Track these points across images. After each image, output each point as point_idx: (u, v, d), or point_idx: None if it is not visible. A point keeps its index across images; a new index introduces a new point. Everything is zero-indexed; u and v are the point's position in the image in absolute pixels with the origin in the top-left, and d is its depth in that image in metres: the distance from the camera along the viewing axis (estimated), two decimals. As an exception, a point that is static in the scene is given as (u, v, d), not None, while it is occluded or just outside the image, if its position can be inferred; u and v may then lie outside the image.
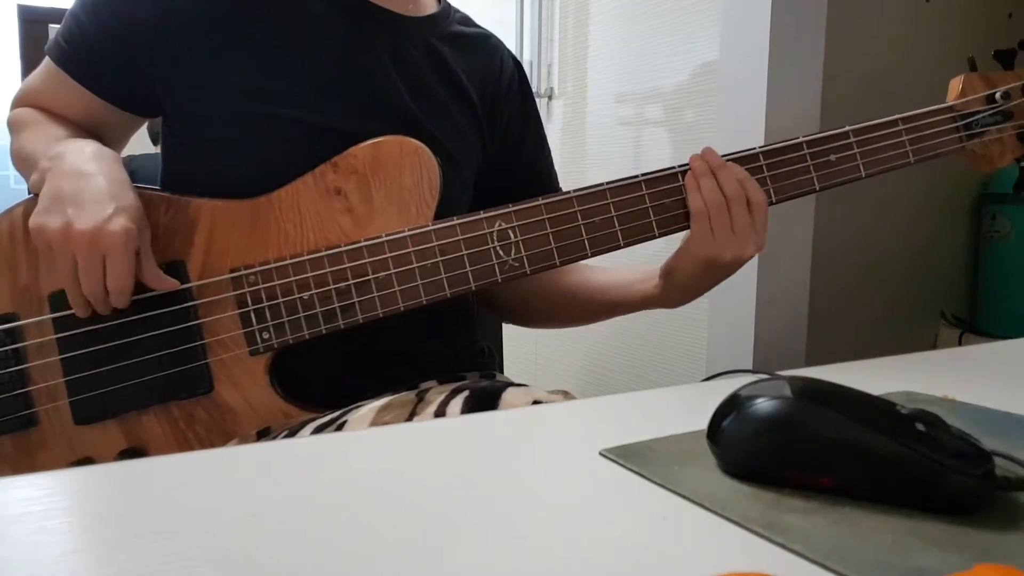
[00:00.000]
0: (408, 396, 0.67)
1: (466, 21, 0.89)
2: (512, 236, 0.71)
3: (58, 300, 0.66)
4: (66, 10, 0.77)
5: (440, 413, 0.62)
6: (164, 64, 0.73)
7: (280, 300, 0.68)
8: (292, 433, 0.67)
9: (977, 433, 0.41)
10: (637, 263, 0.86)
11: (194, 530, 0.36)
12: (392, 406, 0.65)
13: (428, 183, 0.71)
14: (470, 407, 0.62)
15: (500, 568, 0.33)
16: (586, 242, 0.72)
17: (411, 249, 0.69)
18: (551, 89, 1.85)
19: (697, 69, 1.44)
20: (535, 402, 0.62)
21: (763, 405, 0.42)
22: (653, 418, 0.54)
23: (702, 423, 0.45)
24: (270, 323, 0.68)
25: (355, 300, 0.69)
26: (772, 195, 0.74)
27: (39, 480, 0.43)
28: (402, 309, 0.69)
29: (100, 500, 0.41)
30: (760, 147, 0.74)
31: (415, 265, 0.69)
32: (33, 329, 0.67)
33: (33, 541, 0.35)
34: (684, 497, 0.40)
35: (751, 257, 0.72)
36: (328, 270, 0.69)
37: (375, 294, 0.69)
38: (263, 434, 0.69)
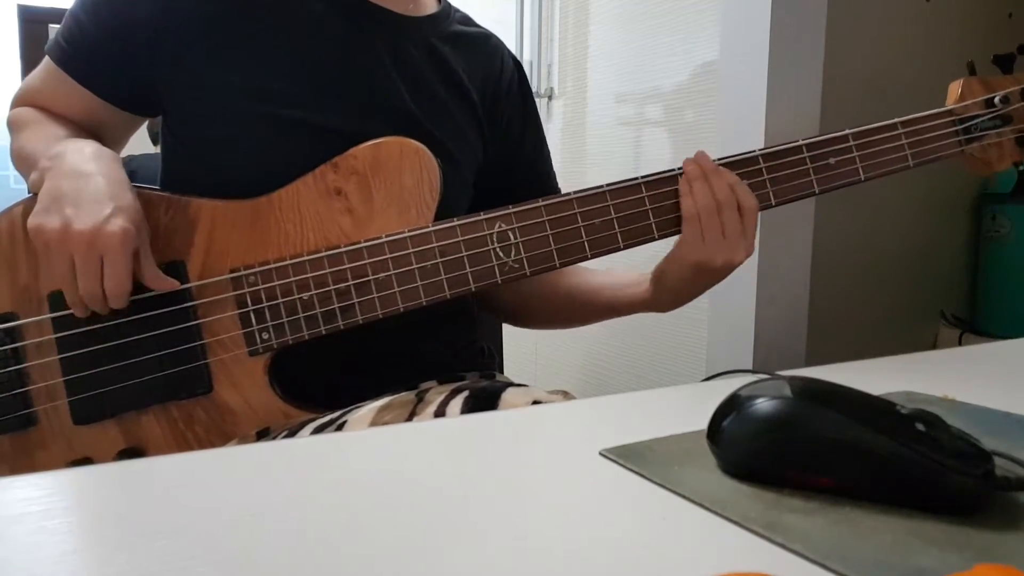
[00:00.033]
0: (408, 396, 0.67)
1: (466, 21, 0.89)
2: (512, 237, 0.71)
3: (57, 299, 0.66)
4: (66, 10, 0.77)
5: (440, 413, 0.62)
6: (164, 64, 0.73)
7: (280, 300, 0.68)
8: (292, 433, 0.67)
9: (977, 433, 0.41)
10: (626, 267, 0.86)
11: (194, 530, 0.36)
12: (392, 406, 0.65)
13: (428, 184, 0.71)
14: (470, 407, 0.62)
15: (500, 568, 0.33)
16: (586, 244, 0.72)
17: (411, 250, 0.69)
18: (551, 89, 1.85)
19: (697, 69, 1.44)
20: (535, 402, 0.62)
21: (763, 405, 0.42)
22: (653, 418, 0.54)
23: (702, 423, 0.45)
24: (270, 323, 0.68)
25: (355, 301, 0.69)
26: (772, 197, 0.74)
27: (39, 480, 0.43)
28: (402, 310, 0.69)
29: (100, 500, 0.41)
30: (760, 150, 0.74)
31: (415, 266, 0.69)
32: (32, 328, 0.67)
33: (33, 541, 0.35)
34: (684, 497, 0.40)
35: (741, 263, 0.72)
36: (328, 271, 0.69)
37: (375, 295, 0.69)
38: (263, 434, 0.69)
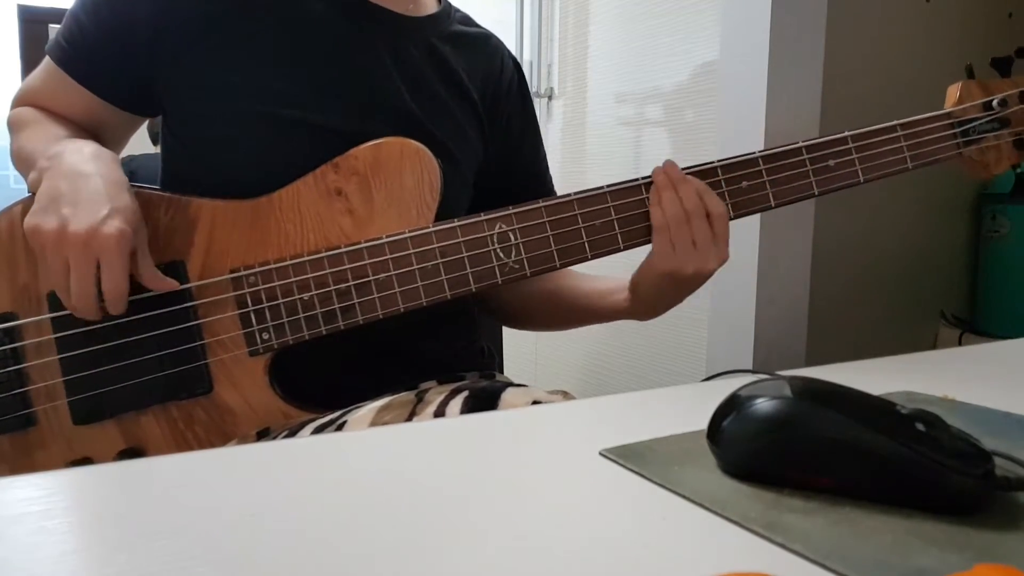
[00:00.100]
0: (408, 396, 0.67)
1: (466, 21, 0.89)
2: (512, 238, 0.71)
3: (57, 299, 0.66)
4: (66, 10, 0.77)
5: (440, 413, 0.62)
6: (164, 64, 0.73)
7: (280, 301, 0.68)
8: (292, 433, 0.67)
9: (977, 433, 0.41)
10: (627, 268, 0.86)
11: (194, 530, 0.36)
12: (392, 406, 0.65)
13: (429, 185, 0.71)
14: (470, 407, 0.62)
15: (500, 568, 0.33)
16: (586, 244, 0.72)
17: (411, 251, 0.69)
18: (551, 89, 1.85)
19: (697, 69, 1.44)
20: (535, 402, 0.62)
21: (763, 405, 0.42)
22: (653, 418, 0.54)
23: (702, 423, 0.45)
24: (270, 324, 0.68)
25: (355, 301, 0.69)
26: (772, 199, 0.74)
27: (39, 480, 0.43)
28: (402, 310, 0.69)
29: (100, 500, 0.41)
30: (760, 152, 0.74)
31: (415, 267, 0.69)
32: (31, 328, 0.67)
33: (33, 541, 0.35)
34: (684, 497, 0.40)
35: (714, 271, 0.72)
36: (328, 271, 0.69)
37: (375, 295, 0.69)
38: (263, 435, 0.69)
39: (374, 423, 0.63)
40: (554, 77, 1.84)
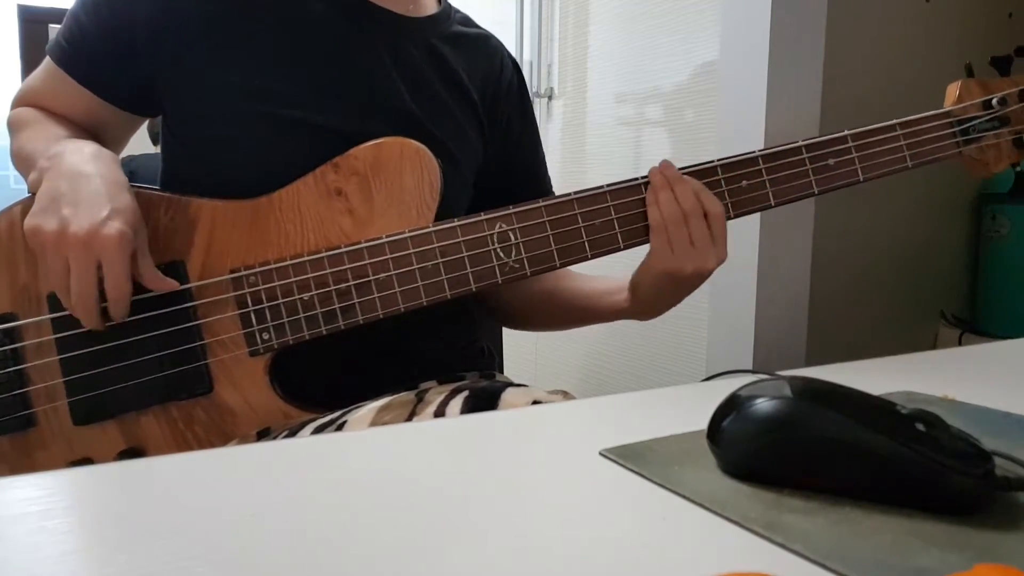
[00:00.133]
0: (408, 396, 0.67)
1: (466, 21, 0.89)
2: (512, 238, 0.71)
3: (57, 300, 0.66)
4: (66, 10, 0.77)
5: (440, 413, 0.62)
6: (164, 64, 0.73)
7: (280, 301, 0.68)
8: (292, 433, 0.67)
9: (977, 433, 0.41)
10: (626, 268, 0.86)
11: (194, 530, 0.36)
12: (392, 406, 0.65)
13: (429, 185, 0.71)
14: (470, 407, 0.62)
15: (500, 568, 0.33)
16: (586, 244, 0.72)
17: (412, 250, 0.69)
18: (551, 89, 1.85)
19: (697, 69, 1.44)
20: (535, 402, 0.62)
21: (763, 405, 0.42)
22: (653, 418, 0.54)
23: (702, 423, 0.45)
24: (270, 324, 0.68)
25: (355, 301, 0.69)
26: (771, 198, 0.74)
27: (39, 480, 0.43)
28: (403, 310, 0.69)
29: (100, 500, 0.41)
30: (759, 151, 0.74)
31: (416, 266, 0.69)
32: (32, 329, 0.67)
33: (33, 541, 0.35)
34: (684, 497, 0.40)
35: (713, 270, 0.72)
36: (328, 271, 0.69)
37: (376, 295, 0.69)
38: (263, 435, 0.69)
39: (374, 423, 0.63)
40: (554, 77, 1.84)
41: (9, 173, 2.47)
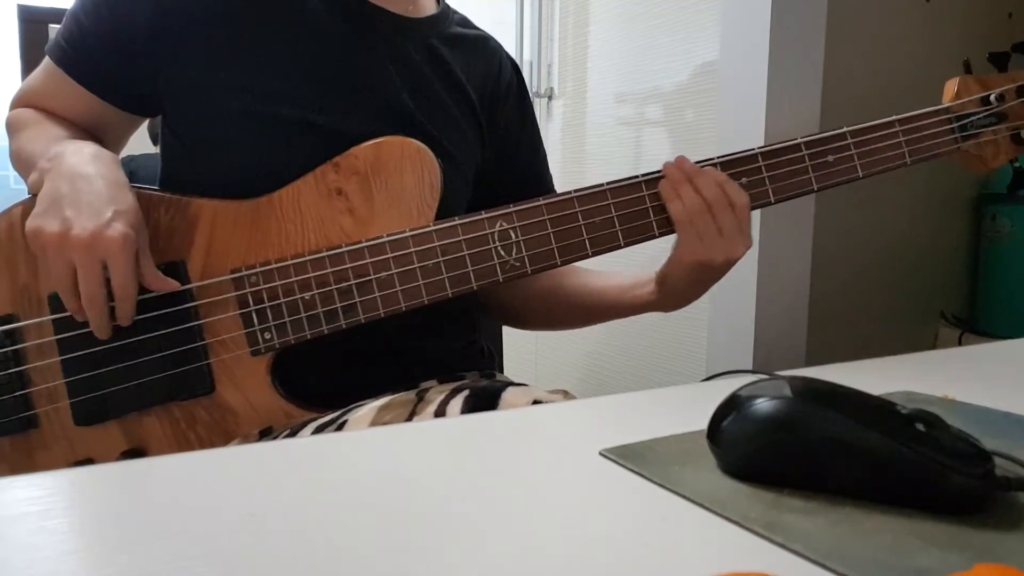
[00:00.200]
0: (408, 396, 0.67)
1: (465, 23, 0.89)
2: (513, 236, 0.71)
3: (57, 301, 0.66)
4: (66, 10, 0.77)
5: (440, 413, 0.62)
6: (164, 64, 0.73)
7: (281, 300, 0.68)
8: (293, 433, 0.67)
9: (977, 433, 0.41)
10: (625, 268, 0.86)
11: (194, 530, 0.36)
12: (392, 406, 0.65)
13: (429, 184, 0.71)
14: (470, 407, 0.62)
15: (500, 568, 0.33)
16: (587, 242, 0.72)
17: (412, 249, 0.69)
18: (551, 89, 1.85)
19: (697, 69, 1.44)
20: (535, 402, 0.62)
21: (763, 405, 0.42)
22: (653, 418, 0.54)
23: (702, 423, 0.45)
24: (271, 323, 0.68)
25: (357, 300, 0.69)
26: (771, 195, 0.74)
27: (39, 480, 0.43)
28: (404, 309, 0.69)
29: (100, 500, 0.41)
30: (759, 148, 0.74)
31: (416, 265, 0.69)
32: (33, 330, 0.67)
33: (33, 541, 0.35)
34: (684, 497, 0.40)
35: (741, 257, 0.73)
36: (329, 270, 0.69)
37: (377, 294, 0.69)
38: (265, 434, 0.69)
39: (374, 423, 0.63)
40: (554, 77, 1.84)
41: (9, 173, 2.47)
